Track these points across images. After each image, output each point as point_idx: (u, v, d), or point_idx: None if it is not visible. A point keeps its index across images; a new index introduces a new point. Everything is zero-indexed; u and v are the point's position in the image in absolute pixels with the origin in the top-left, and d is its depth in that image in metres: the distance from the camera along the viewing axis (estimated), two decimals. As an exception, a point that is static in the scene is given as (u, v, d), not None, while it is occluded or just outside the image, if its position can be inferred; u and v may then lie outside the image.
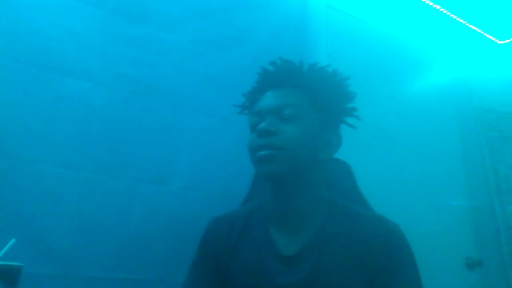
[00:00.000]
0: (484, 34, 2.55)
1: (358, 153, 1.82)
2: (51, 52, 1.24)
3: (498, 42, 2.63)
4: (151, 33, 1.45)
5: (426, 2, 2.28)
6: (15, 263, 0.76)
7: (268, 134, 0.82)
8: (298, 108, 0.85)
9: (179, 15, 1.52)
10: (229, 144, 1.47)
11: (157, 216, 1.30)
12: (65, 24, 1.29)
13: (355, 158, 1.82)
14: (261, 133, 0.82)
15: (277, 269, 0.83)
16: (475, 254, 2.09)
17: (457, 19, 2.40)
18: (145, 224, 1.27)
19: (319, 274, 0.80)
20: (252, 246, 0.89)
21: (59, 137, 1.20)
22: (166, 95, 1.42)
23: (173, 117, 1.42)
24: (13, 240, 0.77)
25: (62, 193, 1.17)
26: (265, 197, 0.94)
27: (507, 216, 2.27)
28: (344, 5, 2.09)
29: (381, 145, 1.94)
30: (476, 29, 2.50)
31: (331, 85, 0.89)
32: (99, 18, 1.36)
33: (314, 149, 0.86)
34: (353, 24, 2.11)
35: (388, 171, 1.90)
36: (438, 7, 2.31)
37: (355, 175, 1.17)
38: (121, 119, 1.33)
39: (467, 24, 2.45)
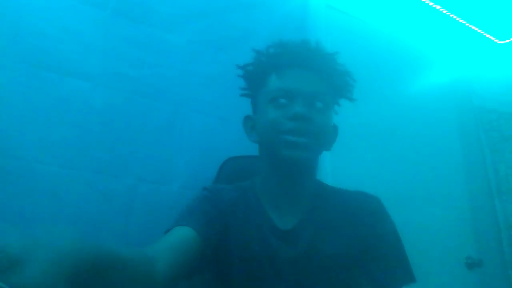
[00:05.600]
0: (484, 34, 2.55)
1: (358, 153, 1.82)
2: (51, 52, 1.24)
3: (498, 42, 2.63)
4: (151, 33, 1.45)
5: (426, 2, 2.28)
6: (15, 263, 0.76)
7: (305, 119, 0.81)
8: (327, 97, 0.87)
9: (179, 15, 1.52)
10: (229, 144, 1.47)
11: (157, 216, 1.30)
12: (65, 24, 1.28)
13: (355, 158, 1.83)
14: (300, 117, 0.81)
15: (276, 243, 0.84)
16: (475, 254, 2.09)
17: (457, 19, 2.40)
18: (145, 224, 1.27)
19: (317, 247, 0.83)
20: (248, 221, 0.88)
21: (59, 137, 1.20)
22: (166, 95, 1.42)
23: (173, 117, 1.42)
24: (13, 240, 0.77)
25: (62, 193, 1.16)
26: (258, 178, 0.94)
27: (508, 216, 2.27)
28: (344, 5, 2.09)
29: (381, 145, 1.94)
30: (476, 29, 2.50)
31: (343, 76, 0.92)
32: (99, 18, 1.36)
33: (328, 140, 0.91)
34: (353, 24, 2.11)
35: (388, 171, 1.90)
36: (438, 7, 2.31)
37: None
38: (121, 119, 1.32)
39: (467, 24, 2.45)
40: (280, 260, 0.83)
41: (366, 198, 0.92)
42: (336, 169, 1.64)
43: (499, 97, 2.52)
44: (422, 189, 2.00)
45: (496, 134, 2.44)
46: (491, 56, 2.61)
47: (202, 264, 0.81)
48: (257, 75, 0.93)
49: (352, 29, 2.09)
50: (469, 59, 2.54)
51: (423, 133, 2.12)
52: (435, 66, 2.41)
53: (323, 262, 0.83)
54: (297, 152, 0.81)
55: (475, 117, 2.45)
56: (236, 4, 1.68)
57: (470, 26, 2.47)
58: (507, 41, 2.61)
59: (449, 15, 2.37)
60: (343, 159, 1.66)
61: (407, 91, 2.23)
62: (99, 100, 1.29)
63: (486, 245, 2.17)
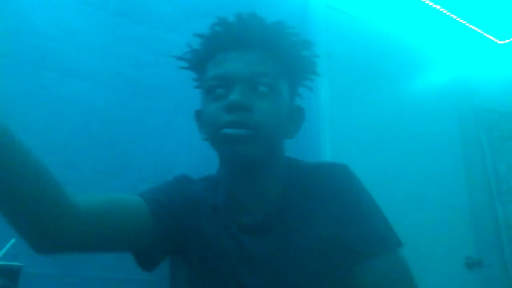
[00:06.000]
0: (484, 34, 2.55)
1: (357, 153, 1.82)
2: (51, 52, 1.24)
3: (498, 42, 2.63)
4: (151, 33, 1.45)
5: (426, 2, 2.28)
6: (15, 263, 0.76)
7: (243, 109, 0.69)
8: (274, 79, 0.73)
9: (179, 15, 1.52)
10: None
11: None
12: (65, 24, 1.28)
13: (354, 158, 1.83)
14: (235, 107, 0.69)
15: (245, 239, 0.77)
16: (475, 254, 2.09)
17: (457, 19, 2.40)
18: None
19: (291, 238, 0.75)
20: (216, 216, 0.80)
21: (59, 137, 1.20)
22: (166, 95, 1.42)
23: (173, 117, 1.42)
24: (13, 240, 0.77)
25: (62, 193, 1.16)
26: (221, 173, 0.84)
27: (508, 216, 2.27)
28: (344, 5, 2.09)
29: (381, 145, 1.94)
30: (476, 29, 2.50)
31: (299, 50, 0.78)
32: (99, 18, 1.36)
33: (285, 127, 0.77)
34: (353, 24, 2.11)
35: (388, 171, 1.90)
36: (438, 7, 2.31)
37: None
38: (121, 119, 1.32)
39: (467, 24, 2.45)
40: (252, 256, 0.75)
41: (333, 170, 0.80)
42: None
43: (499, 97, 2.52)
44: (422, 189, 2.00)
45: (496, 134, 2.44)
46: (491, 56, 2.61)
47: (153, 242, 0.74)
48: (195, 64, 0.82)
49: (351, 29, 2.09)
50: (469, 59, 2.54)
51: (423, 133, 2.12)
52: (435, 66, 2.41)
53: (299, 254, 0.74)
54: (238, 147, 0.70)
55: (475, 117, 2.46)
56: (236, 4, 1.67)
57: (470, 26, 2.47)
58: (507, 41, 2.61)
59: (449, 15, 2.37)
60: (343, 159, 1.66)
61: (407, 91, 2.23)
62: (99, 100, 1.29)
63: (486, 245, 2.17)
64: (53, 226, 0.60)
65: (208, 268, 0.79)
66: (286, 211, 0.77)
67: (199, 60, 0.80)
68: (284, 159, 0.82)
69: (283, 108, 0.75)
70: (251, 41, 0.74)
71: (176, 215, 0.78)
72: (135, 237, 0.73)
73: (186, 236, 0.80)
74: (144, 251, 0.76)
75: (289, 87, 0.78)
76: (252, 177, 0.77)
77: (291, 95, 0.79)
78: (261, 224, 0.77)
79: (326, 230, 0.75)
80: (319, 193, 0.77)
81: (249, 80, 0.72)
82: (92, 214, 0.65)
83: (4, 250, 0.77)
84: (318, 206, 0.76)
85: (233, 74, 0.72)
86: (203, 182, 0.88)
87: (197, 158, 1.43)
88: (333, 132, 1.78)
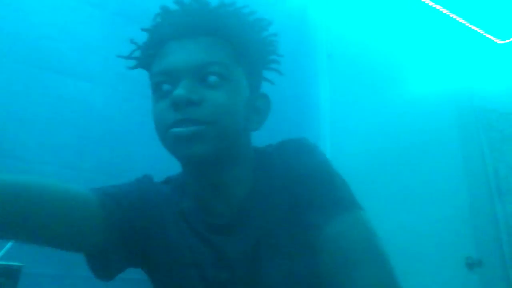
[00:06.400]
0: (484, 34, 2.55)
1: (357, 153, 1.82)
2: (51, 52, 1.24)
3: (498, 42, 2.63)
4: (151, 33, 1.45)
5: (426, 2, 2.28)
6: (15, 263, 0.76)
7: (190, 104, 0.62)
8: (225, 67, 0.65)
9: (179, 15, 1.52)
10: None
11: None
12: (65, 24, 1.29)
13: (354, 158, 1.83)
14: (180, 103, 0.61)
15: (215, 240, 0.70)
16: (475, 254, 2.09)
17: (457, 19, 2.41)
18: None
19: (264, 233, 0.69)
20: (183, 219, 0.74)
21: (59, 137, 1.20)
22: (166, 95, 1.42)
23: (173, 117, 1.42)
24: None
25: (62, 193, 1.17)
26: (185, 175, 0.78)
27: (508, 216, 2.27)
28: (344, 5, 2.09)
29: (381, 145, 1.94)
30: (476, 29, 2.50)
31: (253, 31, 0.71)
32: (99, 18, 1.36)
33: (243, 118, 0.69)
34: (353, 24, 2.11)
35: (388, 171, 1.90)
36: (438, 7, 2.31)
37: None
38: (121, 119, 1.32)
39: (467, 24, 2.45)
40: (225, 256, 0.70)
41: (288, 149, 0.72)
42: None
43: (499, 97, 2.52)
44: (422, 189, 2.00)
45: (496, 134, 2.44)
46: (491, 56, 2.61)
47: (107, 245, 0.68)
48: (142, 61, 0.76)
49: (351, 29, 2.09)
50: (470, 59, 2.54)
51: (423, 133, 2.12)
52: (435, 66, 2.41)
53: (272, 248, 0.68)
54: (190, 147, 0.63)
55: (475, 117, 2.46)
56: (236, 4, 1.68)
57: (470, 26, 2.47)
58: (507, 41, 2.61)
59: (449, 15, 2.37)
60: (343, 159, 1.66)
61: (407, 91, 2.23)
62: (99, 100, 1.29)
63: (486, 245, 2.17)
64: None
65: (179, 278, 0.72)
66: (255, 206, 0.71)
67: (146, 57, 0.74)
68: (251, 153, 0.75)
69: (240, 97, 0.67)
70: (196, 29, 0.67)
71: (134, 217, 0.71)
72: (78, 229, 0.65)
73: (150, 246, 0.73)
74: (98, 255, 0.69)
75: (247, 74, 0.70)
76: (214, 177, 0.70)
77: (251, 83, 0.71)
78: (230, 223, 0.71)
79: (292, 214, 0.68)
80: (287, 185, 0.70)
81: (196, 72, 0.64)
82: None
83: (4, 250, 0.77)
84: (283, 191, 0.70)
85: (177, 67, 0.65)
86: (167, 186, 0.81)
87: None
88: (333, 132, 1.78)
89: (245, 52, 0.69)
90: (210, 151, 0.63)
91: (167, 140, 0.67)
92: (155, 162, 1.35)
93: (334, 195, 0.66)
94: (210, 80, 0.64)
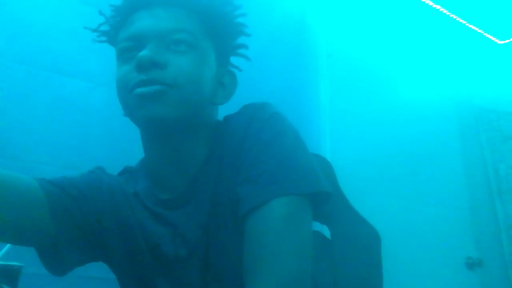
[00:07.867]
0: (484, 34, 2.55)
1: (357, 152, 1.82)
2: (51, 52, 1.24)
3: (498, 42, 2.63)
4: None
5: (426, 2, 2.28)
6: (15, 263, 0.76)
7: (154, 66, 0.61)
8: (192, 35, 0.65)
9: (179, 15, 1.52)
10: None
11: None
12: (65, 24, 1.29)
13: (354, 158, 1.83)
14: (144, 64, 0.61)
15: (169, 216, 0.68)
16: (475, 254, 2.09)
17: (457, 19, 2.41)
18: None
19: (216, 206, 0.65)
20: (134, 207, 0.72)
21: (59, 137, 1.20)
22: (166, 95, 1.42)
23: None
24: (13, 240, 0.77)
25: (62, 193, 1.17)
26: (144, 156, 0.76)
27: (508, 216, 2.27)
28: (344, 5, 2.09)
29: (381, 145, 1.94)
30: (476, 29, 2.50)
31: (223, 7, 0.71)
32: (99, 18, 1.36)
33: (209, 89, 0.68)
34: (353, 24, 2.11)
35: (388, 171, 1.90)
36: (438, 7, 2.31)
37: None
38: (121, 119, 1.32)
39: (467, 24, 2.46)
40: (181, 232, 0.67)
41: (245, 114, 0.68)
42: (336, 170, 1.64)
43: (499, 97, 2.53)
44: (422, 189, 2.00)
45: (496, 134, 2.44)
46: (491, 56, 2.61)
47: (57, 237, 0.64)
48: (110, 35, 0.76)
49: (351, 29, 2.09)
50: (470, 59, 2.55)
51: (423, 133, 2.12)
52: (435, 66, 2.42)
53: (224, 220, 0.64)
54: (151, 107, 0.61)
55: (475, 117, 2.46)
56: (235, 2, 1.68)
57: (470, 26, 2.47)
58: (507, 41, 2.61)
59: (449, 15, 2.37)
60: (343, 159, 1.66)
61: (407, 91, 2.23)
62: (99, 100, 1.29)
63: (486, 245, 2.17)
64: None
65: (138, 264, 0.70)
66: (207, 176, 0.67)
67: (114, 24, 0.74)
68: (213, 125, 0.72)
69: (206, 68, 0.67)
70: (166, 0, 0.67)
71: (85, 206, 0.68)
72: (22, 218, 0.61)
73: (106, 235, 0.69)
74: (49, 249, 0.66)
75: (215, 48, 0.70)
76: (172, 143, 0.68)
77: (219, 58, 0.71)
78: (184, 195, 0.68)
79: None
80: (234, 145, 0.66)
81: (163, 37, 0.64)
82: None
83: (4, 250, 0.77)
84: (234, 159, 0.65)
85: (144, 32, 0.64)
86: (122, 176, 0.80)
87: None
88: (333, 131, 1.78)
89: (214, 25, 0.69)
90: (171, 114, 0.62)
91: (129, 101, 0.66)
92: (155, 162, 1.36)
93: (274, 172, 0.58)
94: (176, 46, 0.64)
